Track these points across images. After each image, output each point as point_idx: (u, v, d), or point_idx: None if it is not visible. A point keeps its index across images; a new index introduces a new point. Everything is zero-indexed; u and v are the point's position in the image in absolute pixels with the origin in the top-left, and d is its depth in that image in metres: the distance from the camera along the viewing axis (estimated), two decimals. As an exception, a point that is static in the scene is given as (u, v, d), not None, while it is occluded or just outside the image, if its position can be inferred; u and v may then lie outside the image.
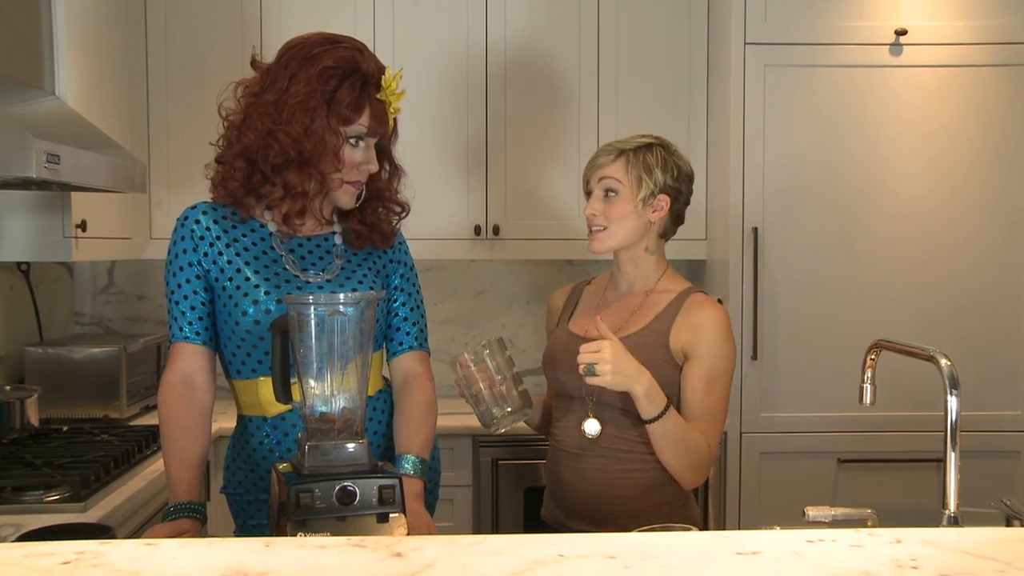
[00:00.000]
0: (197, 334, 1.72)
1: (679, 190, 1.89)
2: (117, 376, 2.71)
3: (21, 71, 2.26)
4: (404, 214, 1.87)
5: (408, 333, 1.86)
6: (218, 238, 1.73)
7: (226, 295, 1.71)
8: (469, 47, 3.06)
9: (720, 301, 2.86)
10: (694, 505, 1.93)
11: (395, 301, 1.86)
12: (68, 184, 2.10)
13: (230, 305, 1.71)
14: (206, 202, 1.76)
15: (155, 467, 2.24)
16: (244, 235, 1.75)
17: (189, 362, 1.72)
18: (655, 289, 1.90)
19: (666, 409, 1.74)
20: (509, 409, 1.75)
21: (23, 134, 1.81)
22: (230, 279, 1.71)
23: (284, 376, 1.53)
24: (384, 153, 1.80)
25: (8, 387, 2.49)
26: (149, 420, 2.74)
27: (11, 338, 2.77)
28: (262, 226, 1.76)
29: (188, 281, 1.72)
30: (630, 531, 1.22)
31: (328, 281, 1.75)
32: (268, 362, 1.64)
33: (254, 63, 1.75)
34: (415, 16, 3.04)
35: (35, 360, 2.71)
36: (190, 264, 1.72)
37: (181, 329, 1.72)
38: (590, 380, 1.72)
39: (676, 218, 1.92)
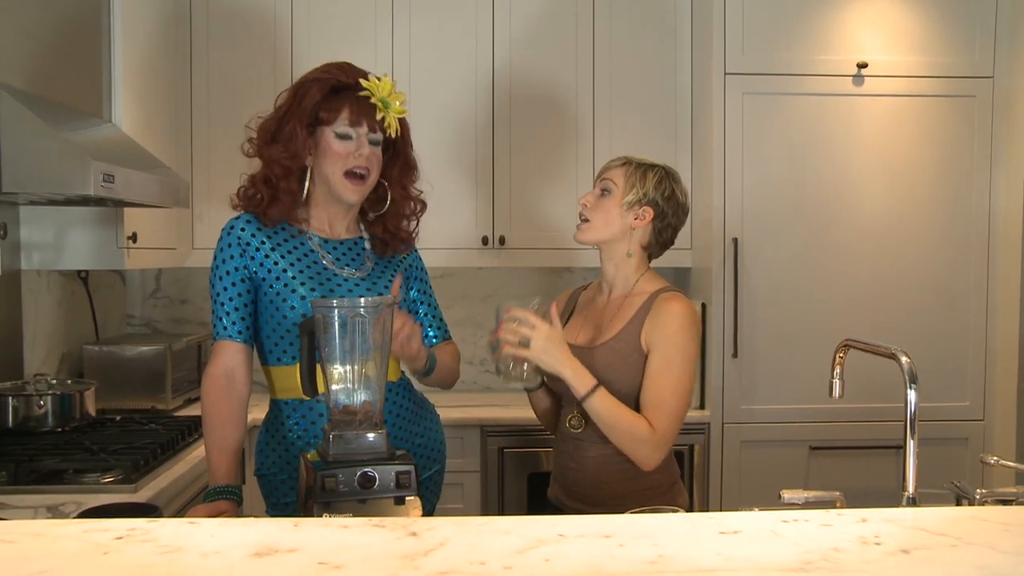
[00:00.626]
0: (239, 332, 1.72)
1: (664, 211, 1.81)
2: (163, 372, 2.71)
3: (83, 102, 2.29)
4: (421, 211, 1.87)
5: (440, 328, 1.92)
6: (263, 243, 1.73)
7: (273, 292, 1.71)
8: (477, 79, 3.06)
9: (704, 305, 2.88)
10: (681, 489, 1.87)
11: (418, 303, 1.89)
12: (121, 200, 2.10)
13: (277, 301, 1.71)
14: (247, 213, 1.76)
15: (197, 453, 2.23)
16: (285, 240, 1.75)
17: (231, 358, 1.72)
18: (632, 292, 1.84)
19: (594, 389, 1.70)
20: (524, 367, 1.73)
21: (83, 157, 1.82)
22: (276, 278, 1.71)
23: (311, 371, 1.53)
24: (400, 156, 1.80)
25: (69, 381, 2.49)
26: (191, 411, 2.73)
27: (72, 338, 2.77)
28: (300, 232, 1.76)
29: (234, 284, 1.72)
30: (623, 512, 1.21)
31: (363, 279, 1.76)
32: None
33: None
34: (430, 52, 3.04)
35: (92, 357, 2.71)
36: (236, 269, 1.72)
37: (225, 328, 1.72)
38: (519, 352, 1.68)
39: (659, 236, 1.84)
